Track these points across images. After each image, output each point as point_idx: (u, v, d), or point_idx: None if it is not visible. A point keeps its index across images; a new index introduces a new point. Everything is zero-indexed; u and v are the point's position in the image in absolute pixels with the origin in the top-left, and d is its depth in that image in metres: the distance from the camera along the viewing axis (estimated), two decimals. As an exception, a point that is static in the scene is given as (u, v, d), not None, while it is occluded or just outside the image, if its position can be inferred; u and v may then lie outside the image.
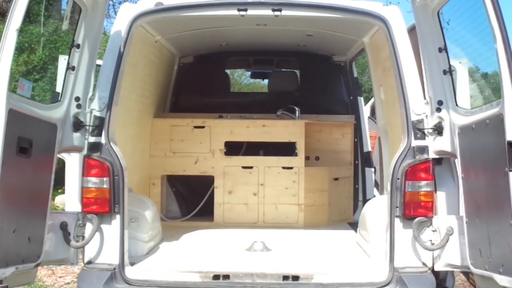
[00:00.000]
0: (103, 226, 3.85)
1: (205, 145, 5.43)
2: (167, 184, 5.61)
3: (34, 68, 9.84)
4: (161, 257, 3.87)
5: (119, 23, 4.03)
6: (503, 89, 2.92)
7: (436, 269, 3.77)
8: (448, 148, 3.68)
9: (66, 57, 3.97)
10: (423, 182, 3.75)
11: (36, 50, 9.87)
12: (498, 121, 2.97)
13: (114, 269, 3.81)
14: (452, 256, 3.68)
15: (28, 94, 3.65)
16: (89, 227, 3.84)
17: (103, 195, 3.81)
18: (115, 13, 12.81)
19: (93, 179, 3.82)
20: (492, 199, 3.14)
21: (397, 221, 3.78)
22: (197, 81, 6.18)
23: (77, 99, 3.79)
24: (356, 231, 4.84)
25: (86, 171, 3.84)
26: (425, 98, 3.80)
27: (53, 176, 3.59)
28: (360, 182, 5.88)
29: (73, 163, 4.62)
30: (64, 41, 9.97)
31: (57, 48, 9.97)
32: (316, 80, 6.27)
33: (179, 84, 6.13)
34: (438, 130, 3.70)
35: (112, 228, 3.85)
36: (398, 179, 3.76)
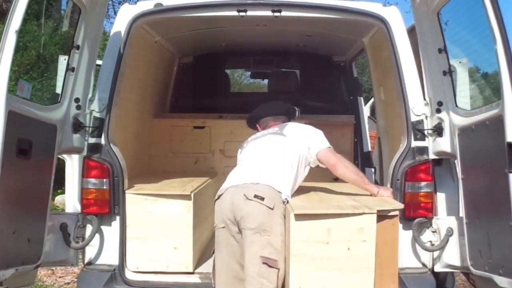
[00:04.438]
0: (103, 227, 3.87)
1: (205, 145, 5.43)
2: None
3: (27, 67, 9.84)
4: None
5: (119, 24, 4.03)
6: (502, 90, 2.92)
7: (436, 270, 3.78)
8: (448, 149, 3.68)
9: (66, 57, 3.97)
10: (423, 183, 3.75)
11: (31, 50, 9.85)
12: (498, 122, 2.97)
13: (114, 270, 3.83)
14: (452, 257, 3.69)
15: (28, 96, 3.64)
16: (89, 228, 3.86)
17: (103, 196, 3.82)
18: (115, 13, 12.83)
19: (93, 180, 3.82)
20: (492, 200, 3.14)
21: (397, 222, 3.78)
22: (197, 82, 6.18)
23: (77, 100, 3.79)
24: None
25: (85, 172, 3.85)
26: (425, 99, 3.80)
27: (53, 177, 3.59)
28: None
29: (73, 163, 4.63)
30: (55, 39, 9.96)
31: (54, 46, 9.96)
32: (316, 80, 6.26)
33: (179, 85, 6.13)
34: (438, 131, 3.70)
35: (112, 229, 3.86)
36: (398, 180, 3.76)
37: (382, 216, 3.24)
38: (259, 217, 3.25)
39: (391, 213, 3.29)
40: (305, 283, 3.15)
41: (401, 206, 3.47)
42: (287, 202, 3.39)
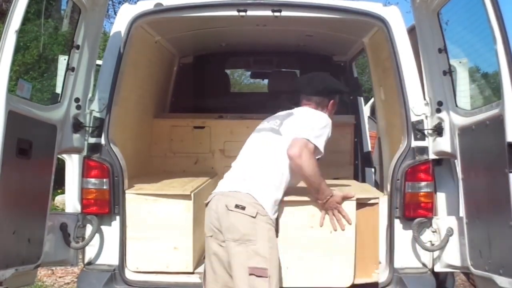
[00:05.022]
0: (103, 227, 3.86)
1: (205, 145, 5.43)
2: None
3: (28, 67, 9.86)
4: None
5: (119, 24, 4.03)
6: (503, 90, 2.92)
7: (436, 270, 3.78)
8: (448, 149, 3.68)
9: (66, 57, 3.97)
10: (423, 183, 3.75)
11: (32, 49, 9.87)
12: (498, 122, 2.97)
13: (114, 270, 3.82)
14: (452, 257, 3.69)
15: (28, 95, 3.64)
16: (89, 228, 3.85)
17: (102, 196, 3.81)
18: (115, 13, 12.83)
19: (93, 180, 3.82)
20: (492, 200, 3.14)
21: (397, 222, 3.79)
22: (197, 81, 6.18)
23: (77, 100, 3.79)
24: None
25: (85, 172, 3.84)
26: (425, 99, 3.80)
27: (53, 177, 3.59)
28: (360, 182, 5.86)
29: (73, 163, 4.63)
30: (58, 39, 9.98)
31: (54, 46, 9.98)
32: (316, 80, 6.25)
33: (179, 85, 6.13)
34: (438, 131, 3.70)
35: (112, 229, 3.85)
36: (398, 180, 3.76)
37: (363, 203, 3.63)
38: (242, 228, 3.17)
39: (371, 201, 3.67)
40: (292, 263, 3.49)
41: (381, 195, 3.78)
42: (272, 212, 3.30)
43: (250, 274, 3.10)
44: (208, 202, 3.36)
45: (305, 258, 3.50)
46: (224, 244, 3.24)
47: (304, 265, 3.50)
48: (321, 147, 3.42)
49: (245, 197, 3.23)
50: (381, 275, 3.79)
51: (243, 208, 3.19)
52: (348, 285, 3.54)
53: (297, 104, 3.75)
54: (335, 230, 3.49)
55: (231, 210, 3.20)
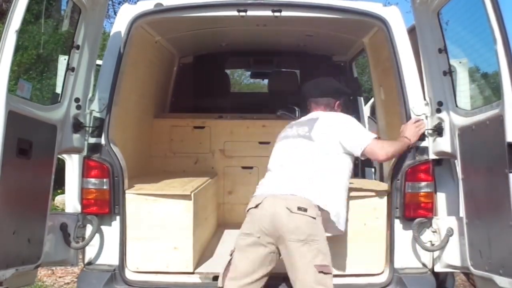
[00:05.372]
0: (103, 227, 3.86)
1: (205, 145, 5.43)
2: None
3: (26, 66, 9.84)
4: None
5: (119, 24, 4.03)
6: (503, 90, 2.92)
7: (436, 270, 3.78)
8: (448, 149, 3.68)
9: (66, 57, 3.97)
10: (423, 183, 3.76)
11: (31, 49, 9.86)
12: (498, 122, 2.97)
13: (114, 270, 3.82)
14: (452, 257, 3.69)
15: (28, 95, 3.63)
16: (89, 228, 3.85)
17: (103, 196, 3.81)
18: (115, 13, 12.83)
19: (93, 180, 3.82)
20: (492, 200, 3.14)
21: (397, 222, 3.79)
22: (197, 81, 6.18)
23: (77, 100, 3.79)
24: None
25: (86, 172, 3.84)
26: (425, 99, 3.80)
27: (53, 177, 3.59)
28: None
29: (73, 163, 4.63)
30: (58, 39, 9.97)
31: (54, 45, 9.96)
32: (316, 80, 6.26)
33: (179, 85, 6.13)
34: (438, 131, 3.71)
35: (112, 229, 3.85)
36: (398, 180, 3.77)
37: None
38: (307, 229, 3.32)
39: None
40: (332, 254, 3.60)
41: None
42: (327, 211, 3.46)
43: (319, 272, 3.26)
44: (259, 204, 3.43)
45: (343, 248, 3.76)
46: (270, 245, 3.36)
47: (343, 255, 3.77)
48: (372, 134, 3.71)
49: (304, 200, 3.38)
50: (381, 275, 3.80)
51: (305, 210, 3.35)
52: (381, 271, 3.82)
53: (302, 107, 3.94)
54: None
55: (295, 213, 3.33)
